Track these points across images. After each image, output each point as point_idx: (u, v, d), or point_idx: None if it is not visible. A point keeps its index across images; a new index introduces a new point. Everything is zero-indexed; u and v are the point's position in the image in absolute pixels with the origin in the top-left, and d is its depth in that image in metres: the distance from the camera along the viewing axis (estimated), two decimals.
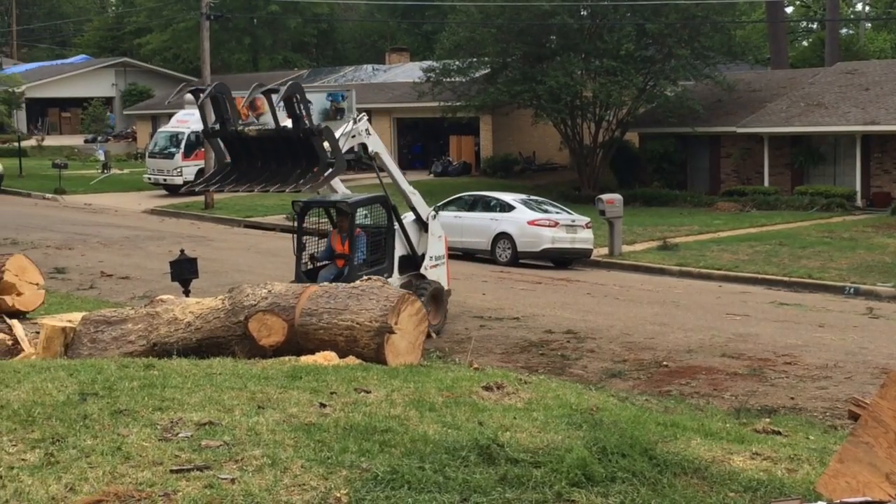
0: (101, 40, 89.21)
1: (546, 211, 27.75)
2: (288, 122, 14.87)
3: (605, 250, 28.16)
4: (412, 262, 17.54)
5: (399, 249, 17.22)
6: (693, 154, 43.34)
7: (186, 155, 42.00)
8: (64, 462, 6.16)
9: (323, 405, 7.77)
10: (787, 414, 11.35)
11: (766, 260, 26.65)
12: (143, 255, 25.53)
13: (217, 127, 15.22)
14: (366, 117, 17.64)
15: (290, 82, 14.83)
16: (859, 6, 79.14)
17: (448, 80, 42.64)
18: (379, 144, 17.56)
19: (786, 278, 24.59)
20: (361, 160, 18.02)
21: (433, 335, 15.53)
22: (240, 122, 15.24)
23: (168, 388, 8.08)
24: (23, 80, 61.14)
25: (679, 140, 42.57)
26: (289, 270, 17.46)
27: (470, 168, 49.57)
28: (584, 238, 27.25)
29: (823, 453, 7.59)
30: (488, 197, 28.96)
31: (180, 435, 6.77)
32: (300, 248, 16.54)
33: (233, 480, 5.94)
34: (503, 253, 26.87)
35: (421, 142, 53.94)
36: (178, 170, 41.84)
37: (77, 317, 11.90)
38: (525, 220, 26.86)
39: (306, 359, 10.09)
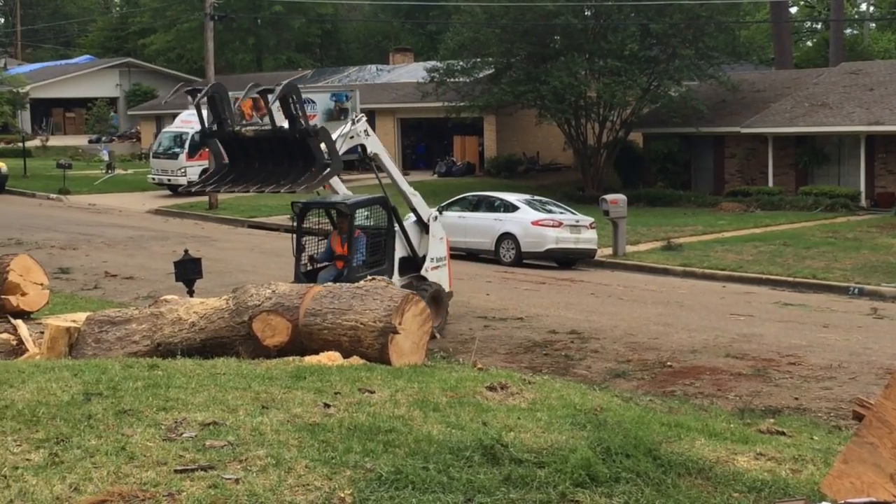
0: (106, 41, 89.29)
1: (550, 211, 27.74)
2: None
3: (608, 250, 28.14)
4: (413, 263, 17.50)
5: (399, 251, 17.18)
6: (697, 154, 43.30)
7: (190, 155, 42.02)
8: (68, 462, 6.16)
9: (327, 405, 7.77)
10: (791, 414, 11.34)
11: (771, 260, 26.62)
12: (148, 255, 25.54)
13: (215, 128, 15.22)
14: (364, 118, 17.58)
15: (285, 82, 14.79)
16: (863, 6, 79.08)
17: (452, 80, 42.65)
18: (378, 145, 17.50)
19: (790, 279, 24.56)
20: (365, 161, 18.00)
21: (437, 335, 15.53)
22: (243, 122, 15.24)
23: (172, 389, 8.09)
24: (27, 80, 61.22)
25: (683, 140, 42.54)
26: (292, 271, 17.45)
27: (474, 168, 49.57)
28: (587, 238, 27.24)
29: (828, 454, 7.59)
30: (492, 197, 28.95)
31: (184, 435, 6.77)
32: (299, 248, 16.52)
33: (237, 480, 5.94)
34: (507, 253, 26.86)
35: (425, 142, 53.93)
36: (182, 170, 41.86)
37: (81, 317, 11.92)
38: (529, 220, 26.85)
39: (310, 359, 10.09)
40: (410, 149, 53.64)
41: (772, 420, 9.84)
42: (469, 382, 9.19)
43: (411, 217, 18.01)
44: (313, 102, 45.12)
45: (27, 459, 6.21)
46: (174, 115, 48.68)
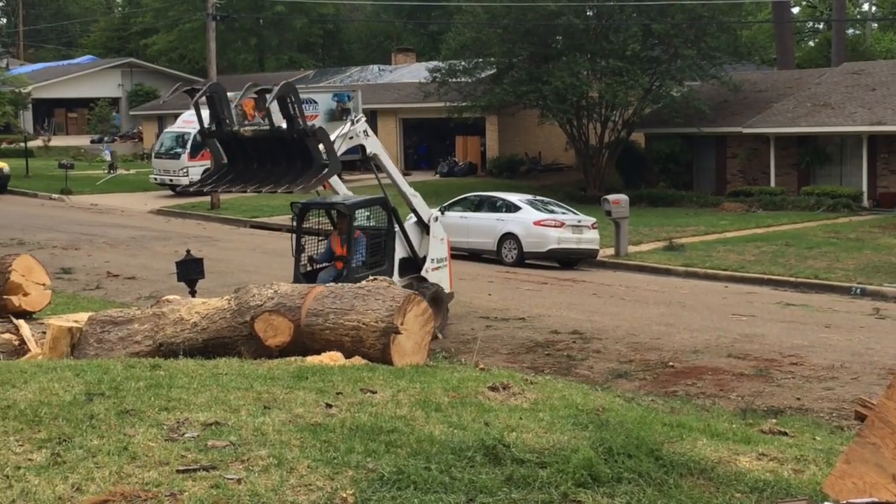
0: (108, 41, 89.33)
1: (552, 211, 27.74)
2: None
3: (610, 251, 28.14)
4: (413, 264, 17.47)
5: (399, 252, 17.15)
6: (699, 154, 43.29)
7: (192, 155, 42.02)
8: (70, 462, 6.16)
9: (329, 405, 7.77)
10: (793, 414, 11.34)
11: (773, 260, 26.62)
12: (150, 255, 25.55)
13: (213, 127, 15.21)
14: (364, 118, 17.56)
15: (283, 83, 14.77)
16: (866, 6, 79.04)
17: (454, 80, 42.66)
18: (377, 146, 17.47)
19: (792, 279, 24.56)
20: (367, 161, 17.99)
21: (439, 335, 15.53)
22: (245, 122, 15.24)
23: (174, 389, 8.09)
24: (29, 80, 61.23)
25: (685, 140, 42.53)
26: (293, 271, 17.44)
27: (476, 168, 49.57)
28: (589, 238, 27.24)
29: (830, 454, 7.58)
30: (494, 197, 28.95)
31: (186, 435, 6.77)
32: (298, 249, 16.50)
33: (239, 481, 5.94)
34: (509, 253, 26.86)
35: (427, 142, 53.93)
36: (185, 170, 41.86)
37: (83, 317, 11.92)
38: (531, 220, 26.85)
39: (312, 359, 10.09)
40: (412, 149, 53.64)
41: (774, 420, 9.84)
42: (471, 382, 9.18)
43: (412, 218, 18.00)
44: (315, 103, 45.14)
45: (29, 459, 6.21)
46: (176, 116, 48.70)
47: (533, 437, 7.18)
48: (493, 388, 9.00)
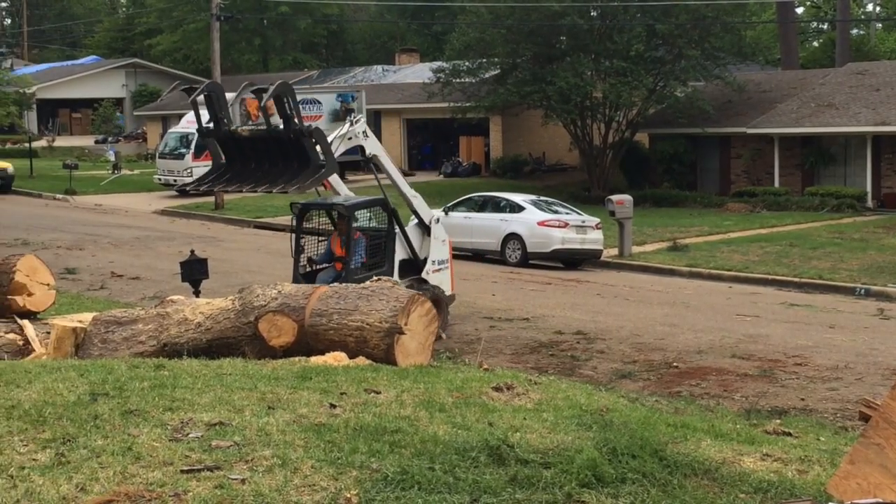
0: (112, 41, 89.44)
1: (556, 212, 27.74)
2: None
3: (615, 251, 28.13)
4: (414, 265, 17.40)
5: (400, 253, 17.09)
6: (703, 155, 43.27)
7: (197, 155, 41.99)
8: (75, 462, 6.17)
9: (333, 406, 7.77)
10: (797, 415, 11.33)
11: (777, 261, 26.60)
12: (154, 255, 25.57)
13: (211, 126, 15.21)
14: (363, 119, 17.52)
15: (279, 82, 14.75)
16: (870, 6, 79.01)
17: (458, 80, 42.66)
18: (377, 147, 17.41)
19: (796, 279, 24.55)
20: (368, 162, 17.94)
21: (443, 336, 15.51)
22: (249, 122, 15.24)
23: (178, 389, 8.09)
24: (33, 80, 61.32)
25: (689, 141, 42.52)
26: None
27: (480, 169, 49.57)
28: (594, 239, 27.24)
29: (834, 454, 7.57)
30: (498, 198, 28.95)
31: (191, 435, 6.78)
32: (297, 249, 16.48)
33: (243, 481, 5.94)
34: (513, 253, 26.86)
35: (431, 142, 53.95)
36: (189, 170, 41.85)
37: (88, 317, 11.92)
38: (535, 220, 26.85)
39: (316, 359, 10.09)
40: (416, 149, 53.67)
41: (778, 421, 9.83)
42: (475, 383, 9.18)
43: (416, 219, 17.95)
44: (319, 103, 45.24)
45: (34, 459, 6.22)
46: (180, 116, 48.75)
47: (537, 437, 7.18)
48: (497, 389, 9.00)
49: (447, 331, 16.61)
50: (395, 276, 16.55)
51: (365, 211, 17.02)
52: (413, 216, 17.93)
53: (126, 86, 72.33)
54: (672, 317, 18.85)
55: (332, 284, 12.29)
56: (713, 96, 41.89)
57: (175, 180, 42.64)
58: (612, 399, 9.90)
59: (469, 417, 7.72)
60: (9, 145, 59.89)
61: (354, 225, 16.43)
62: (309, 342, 10.67)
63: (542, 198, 29.95)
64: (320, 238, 17.12)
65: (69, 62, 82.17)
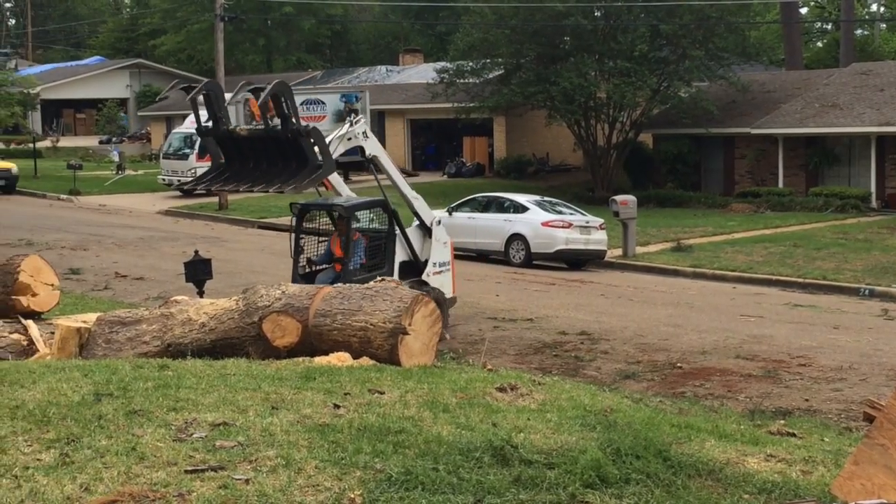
0: (116, 42, 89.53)
1: (560, 212, 27.72)
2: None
3: (618, 251, 28.12)
4: (414, 267, 17.32)
5: (400, 255, 17.00)
6: (707, 155, 43.25)
7: (200, 156, 41.88)
8: (79, 462, 6.18)
9: (337, 406, 7.77)
10: (801, 416, 11.32)
11: (781, 261, 26.58)
12: (158, 255, 25.59)
13: (210, 126, 15.20)
14: (363, 120, 17.45)
15: (276, 81, 14.73)
16: (874, 7, 78.93)
17: (462, 81, 42.64)
18: (377, 148, 17.32)
19: (800, 280, 24.52)
20: (368, 163, 17.86)
21: (447, 336, 15.50)
22: (253, 122, 15.24)
23: (182, 389, 8.10)
24: (38, 81, 61.41)
25: (693, 141, 42.49)
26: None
27: (483, 169, 49.56)
28: (597, 239, 27.23)
29: (838, 455, 7.57)
30: (502, 198, 28.94)
31: (195, 435, 6.78)
32: (297, 250, 16.44)
33: (247, 481, 5.95)
34: (517, 254, 26.85)
35: (434, 143, 53.95)
36: (193, 171, 41.77)
37: (92, 317, 11.94)
38: (539, 221, 26.84)
39: (320, 360, 10.09)
40: (420, 150, 53.66)
41: (782, 421, 9.82)
42: (479, 383, 9.18)
43: (417, 221, 17.86)
44: (323, 103, 45.28)
45: (38, 459, 6.23)
46: (184, 116, 48.75)
47: (541, 437, 7.18)
48: (501, 389, 9.00)
49: (451, 331, 16.59)
50: (395, 278, 16.49)
51: (366, 212, 16.92)
52: (415, 218, 17.85)
53: (130, 86, 72.37)
54: (676, 317, 18.84)
55: (336, 285, 12.27)
56: (717, 97, 41.85)
57: (179, 181, 42.66)
58: (616, 399, 9.90)
59: (473, 418, 7.72)
60: (13, 146, 59.98)
61: (355, 226, 16.38)
62: (313, 342, 10.67)
63: (545, 198, 29.94)
64: (320, 239, 17.08)
65: (73, 63, 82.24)
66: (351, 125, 16.66)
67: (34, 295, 12.62)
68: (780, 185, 39.49)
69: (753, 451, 7.45)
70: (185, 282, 17.20)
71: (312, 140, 14.57)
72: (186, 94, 15.07)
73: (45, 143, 60.87)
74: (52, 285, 12.92)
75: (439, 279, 17.43)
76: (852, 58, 50.31)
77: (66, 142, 64.65)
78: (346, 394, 8.23)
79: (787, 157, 39.93)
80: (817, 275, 24.77)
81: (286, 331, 10.74)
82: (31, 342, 11.59)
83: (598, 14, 41.52)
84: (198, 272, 16.88)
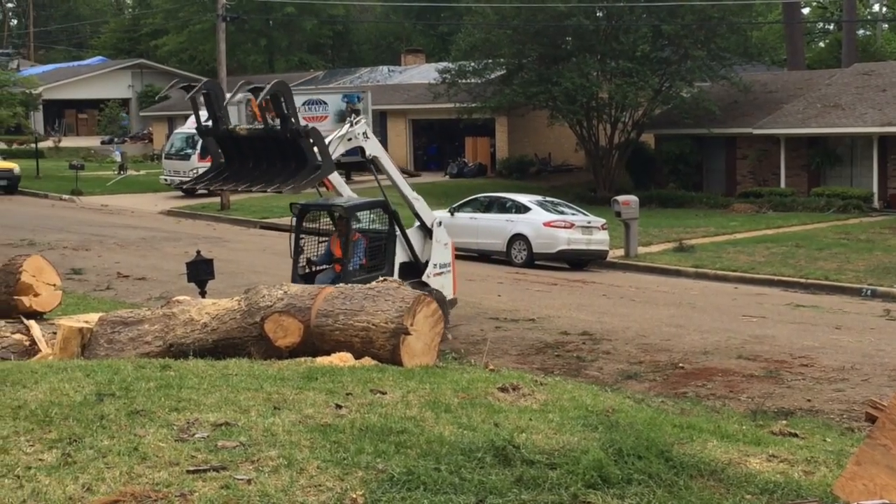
0: (118, 42, 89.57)
1: (562, 212, 27.72)
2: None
3: (620, 252, 28.12)
4: (415, 268, 17.26)
5: (400, 256, 16.94)
6: (709, 155, 43.24)
7: (203, 156, 41.85)
8: (81, 462, 6.18)
9: (339, 406, 7.77)
10: (803, 416, 11.31)
11: (783, 262, 26.57)
12: (160, 256, 25.60)
13: (210, 125, 15.20)
14: (364, 120, 17.41)
15: (275, 81, 14.72)
16: (876, 7, 78.88)
17: (464, 81, 42.65)
18: (378, 149, 17.28)
19: (802, 280, 24.51)
20: (368, 163, 17.82)
21: (449, 336, 15.49)
22: (256, 123, 15.23)
23: (184, 389, 8.10)
24: (40, 81, 61.39)
25: (695, 141, 42.49)
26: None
27: (485, 169, 49.56)
28: (599, 239, 27.23)
29: (840, 455, 7.57)
30: (504, 198, 28.94)
31: (197, 435, 6.78)
32: (297, 250, 16.42)
33: (249, 481, 5.95)
34: (519, 254, 26.85)
35: (436, 143, 53.95)
36: (195, 171, 41.74)
37: (94, 317, 11.94)
38: (541, 221, 26.84)
39: (322, 360, 10.09)
40: (422, 150, 53.66)
41: (784, 422, 9.82)
42: (481, 383, 9.18)
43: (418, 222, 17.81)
44: (325, 104, 45.27)
45: (40, 459, 6.23)
46: (186, 117, 48.73)
47: (543, 438, 7.18)
48: (503, 389, 9.00)
49: (452, 331, 16.57)
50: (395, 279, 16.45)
51: (367, 212, 16.87)
52: (416, 219, 17.80)
53: (132, 86, 72.39)
54: (678, 317, 18.83)
55: (339, 286, 12.26)
56: (719, 97, 41.85)
57: (181, 181, 42.65)
58: (618, 400, 9.90)
59: (475, 418, 7.72)
60: (15, 146, 60.02)
61: (356, 226, 16.35)
62: (315, 343, 10.67)
63: (547, 198, 29.93)
64: (321, 239, 17.04)
65: (75, 63, 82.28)
66: (351, 125, 16.63)
67: (36, 295, 12.63)
68: (782, 185, 39.48)
69: (755, 452, 7.45)
70: (188, 282, 17.20)
71: (312, 140, 14.55)
72: (186, 93, 15.08)
73: (47, 144, 60.93)
74: (55, 285, 12.92)
75: (440, 280, 17.37)
76: (854, 58, 50.28)
77: (68, 142, 64.68)
78: (348, 394, 8.24)
79: (789, 157, 39.91)
80: (819, 275, 24.76)
81: (288, 331, 10.75)
82: (33, 342, 11.60)
83: (600, 14, 41.51)
84: (200, 272, 16.88)
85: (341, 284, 12.71)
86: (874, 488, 5.66)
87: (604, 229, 27.37)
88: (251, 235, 32.15)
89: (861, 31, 67.92)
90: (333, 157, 15.49)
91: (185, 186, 15.90)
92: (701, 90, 41.37)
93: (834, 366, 14.47)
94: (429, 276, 17.20)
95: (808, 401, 12.41)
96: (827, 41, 70.83)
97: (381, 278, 12.73)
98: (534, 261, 26.64)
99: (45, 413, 7.15)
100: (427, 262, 17.34)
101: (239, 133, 15.01)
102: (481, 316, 18.39)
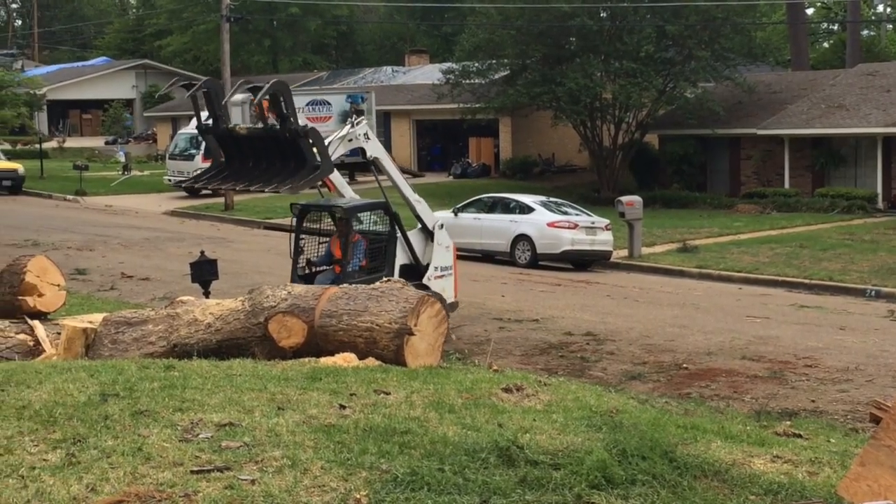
0: (122, 42, 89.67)
1: (565, 213, 27.71)
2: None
3: (624, 252, 28.11)
4: (415, 271, 17.17)
5: (401, 258, 16.85)
6: (713, 156, 43.21)
7: (206, 157, 41.98)
8: (85, 462, 6.18)
9: (343, 406, 7.78)
10: (807, 417, 11.30)
11: (787, 262, 26.56)
12: (164, 256, 25.61)
13: (210, 124, 15.20)
14: (365, 121, 17.34)
15: (274, 80, 14.69)
16: (881, 7, 78.79)
17: (467, 81, 42.65)
18: (379, 150, 17.21)
19: (806, 281, 24.49)
20: (369, 164, 17.74)
21: (452, 337, 15.47)
22: (259, 123, 15.21)
23: (188, 390, 8.10)
24: (44, 82, 61.48)
25: (699, 142, 42.46)
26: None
27: (489, 170, 49.57)
28: (603, 240, 27.21)
29: (844, 456, 7.56)
30: (508, 199, 28.93)
31: (201, 436, 6.79)
32: (296, 250, 16.38)
33: (253, 481, 5.95)
34: (522, 255, 26.84)
35: (440, 143, 53.97)
36: (199, 171, 41.84)
37: (98, 318, 11.95)
38: (544, 221, 26.83)
39: (326, 360, 10.10)
40: (426, 150, 53.67)
41: (788, 422, 9.82)
42: (484, 384, 9.18)
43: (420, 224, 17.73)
44: (329, 104, 45.28)
45: (44, 460, 6.24)
46: (190, 117, 48.66)
47: (546, 438, 7.18)
48: (507, 390, 8.99)
49: (456, 332, 16.55)
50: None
51: (368, 214, 16.81)
52: (417, 221, 17.69)
53: (136, 87, 72.49)
54: (682, 318, 18.82)
55: (342, 286, 12.25)
56: (723, 97, 41.84)
57: (181, 181, 42.64)
58: (622, 400, 9.90)
59: (479, 418, 7.72)
60: (19, 146, 60.08)
61: (357, 228, 16.31)
62: (318, 343, 10.67)
63: (551, 199, 29.92)
64: (321, 240, 16.99)
65: (79, 63, 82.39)
66: (352, 126, 16.58)
67: (40, 295, 12.63)
68: (786, 185, 39.45)
69: (759, 452, 7.44)
70: (191, 282, 17.19)
71: (311, 140, 14.51)
72: (186, 91, 15.08)
73: (51, 144, 61.00)
74: (59, 286, 12.93)
75: (441, 283, 17.26)
76: (858, 58, 50.24)
77: (72, 142, 64.78)
78: (351, 394, 8.24)
79: (793, 157, 39.88)
80: (823, 276, 24.74)
81: (292, 331, 10.75)
82: (37, 342, 11.61)
83: (604, 15, 41.51)
84: (204, 273, 16.88)
85: (344, 285, 12.70)
86: (878, 489, 5.66)
87: (607, 230, 27.36)
88: (255, 236, 32.16)
89: (865, 32, 67.89)
90: (333, 157, 15.46)
91: (184, 185, 15.92)
92: (705, 91, 41.36)
93: (838, 366, 14.46)
94: (429, 279, 17.10)
95: (813, 401, 12.40)
96: (831, 41, 70.82)
97: (385, 279, 12.72)
98: (537, 261, 26.63)
99: (50, 413, 7.16)
100: (428, 265, 17.23)
101: (239, 132, 15.01)
102: (485, 316, 18.38)
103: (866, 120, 38.32)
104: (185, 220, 36.71)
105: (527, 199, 28.71)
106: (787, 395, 12.78)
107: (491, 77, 42.48)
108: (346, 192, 17.28)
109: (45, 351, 11.37)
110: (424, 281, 16.93)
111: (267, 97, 14.39)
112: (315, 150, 14.56)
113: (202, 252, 17.85)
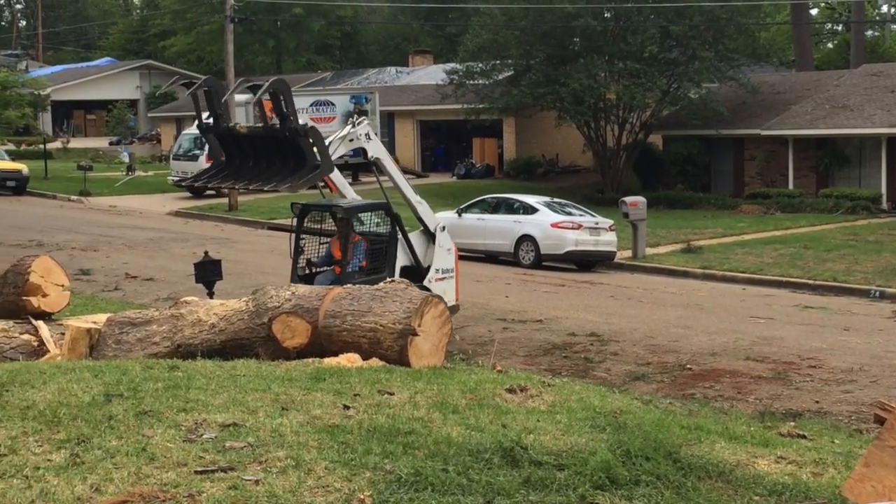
0: (126, 43, 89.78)
1: (569, 213, 27.71)
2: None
3: (628, 253, 28.10)
4: (416, 273, 17.09)
5: (402, 259, 16.76)
6: (717, 156, 43.20)
7: (210, 157, 42.03)
8: (89, 463, 6.19)
9: (346, 407, 7.77)
10: (811, 417, 11.29)
11: (791, 263, 26.54)
12: (168, 256, 25.63)
13: (210, 122, 15.21)
14: (366, 121, 17.29)
15: (273, 79, 14.67)
16: (885, 8, 78.74)
17: (471, 82, 42.66)
18: (380, 150, 17.13)
19: (810, 281, 24.47)
20: (370, 165, 17.69)
21: (456, 338, 15.46)
22: (262, 123, 15.23)
23: (192, 390, 8.11)
24: (48, 82, 61.59)
25: (703, 142, 42.45)
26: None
27: (493, 170, 49.58)
28: (607, 241, 27.21)
29: (849, 457, 7.56)
30: (511, 199, 28.93)
31: (205, 436, 6.79)
32: (296, 250, 16.36)
33: (257, 482, 5.96)
34: (526, 255, 26.84)
35: (444, 144, 53.99)
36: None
37: (102, 318, 11.95)
38: (548, 222, 26.82)
39: (330, 360, 10.09)
40: (430, 151, 53.69)
41: (792, 423, 9.81)
42: (488, 384, 9.17)
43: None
44: (333, 105, 45.30)
45: (48, 460, 6.24)
46: (194, 118, 48.75)
47: (550, 439, 7.18)
48: (511, 391, 8.99)
49: (460, 332, 16.53)
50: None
51: (369, 215, 16.74)
52: (418, 222, 17.62)
53: (140, 87, 72.55)
54: (686, 319, 18.81)
55: (346, 286, 12.25)
56: (727, 98, 41.81)
57: (182, 180, 42.67)
58: (626, 401, 9.89)
59: (482, 419, 7.72)
60: (24, 147, 60.15)
61: (359, 229, 16.28)
62: (322, 343, 10.67)
63: (555, 199, 29.91)
64: (322, 240, 16.96)
65: (83, 64, 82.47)
66: (353, 126, 16.52)
67: (45, 296, 12.64)
68: (791, 186, 39.43)
69: (763, 453, 7.44)
70: (195, 283, 17.19)
71: (311, 140, 14.48)
72: (187, 90, 15.09)
73: (56, 145, 61.05)
74: (63, 286, 12.94)
75: (442, 285, 17.14)
76: (863, 59, 50.20)
77: (76, 143, 64.82)
78: (355, 395, 8.24)
79: (797, 158, 39.85)
80: (827, 276, 24.72)
81: (296, 332, 10.75)
82: (41, 343, 11.62)
83: (608, 15, 41.53)
84: (208, 273, 16.88)
85: (348, 285, 12.69)
86: (883, 490, 5.65)
87: (611, 230, 27.35)
88: (259, 236, 32.16)
89: (869, 32, 67.82)
90: (334, 157, 15.44)
91: (184, 184, 15.94)
92: (709, 91, 41.34)
93: (842, 367, 14.45)
94: (431, 281, 16.97)
95: (817, 402, 12.39)
96: (835, 42, 70.76)
97: (388, 279, 12.71)
98: (541, 262, 26.63)
99: (54, 413, 7.16)
100: (429, 267, 17.14)
101: (239, 131, 15.01)
102: (489, 317, 18.38)
103: (870, 120, 38.28)
104: (189, 220, 36.73)
105: (530, 199, 28.71)
106: (791, 395, 12.77)
107: (495, 77, 42.49)
108: (348, 192, 17.20)
109: (49, 351, 11.38)
110: (425, 283, 16.85)
111: (267, 96, 14.38)
112: (315, 149, 14.53)
113: (206, 252, 17.84)
